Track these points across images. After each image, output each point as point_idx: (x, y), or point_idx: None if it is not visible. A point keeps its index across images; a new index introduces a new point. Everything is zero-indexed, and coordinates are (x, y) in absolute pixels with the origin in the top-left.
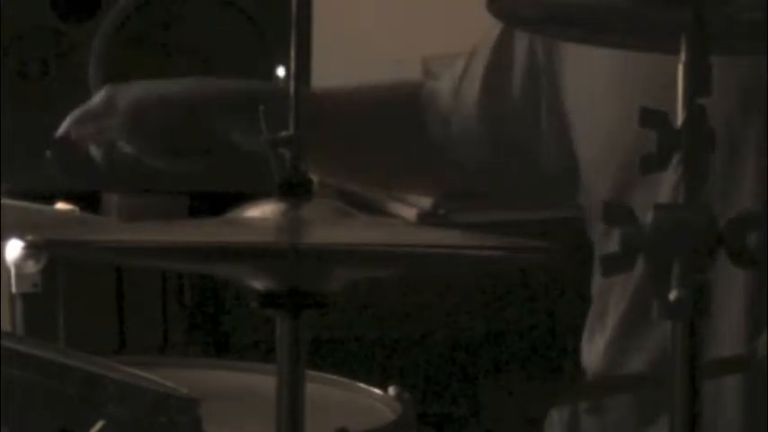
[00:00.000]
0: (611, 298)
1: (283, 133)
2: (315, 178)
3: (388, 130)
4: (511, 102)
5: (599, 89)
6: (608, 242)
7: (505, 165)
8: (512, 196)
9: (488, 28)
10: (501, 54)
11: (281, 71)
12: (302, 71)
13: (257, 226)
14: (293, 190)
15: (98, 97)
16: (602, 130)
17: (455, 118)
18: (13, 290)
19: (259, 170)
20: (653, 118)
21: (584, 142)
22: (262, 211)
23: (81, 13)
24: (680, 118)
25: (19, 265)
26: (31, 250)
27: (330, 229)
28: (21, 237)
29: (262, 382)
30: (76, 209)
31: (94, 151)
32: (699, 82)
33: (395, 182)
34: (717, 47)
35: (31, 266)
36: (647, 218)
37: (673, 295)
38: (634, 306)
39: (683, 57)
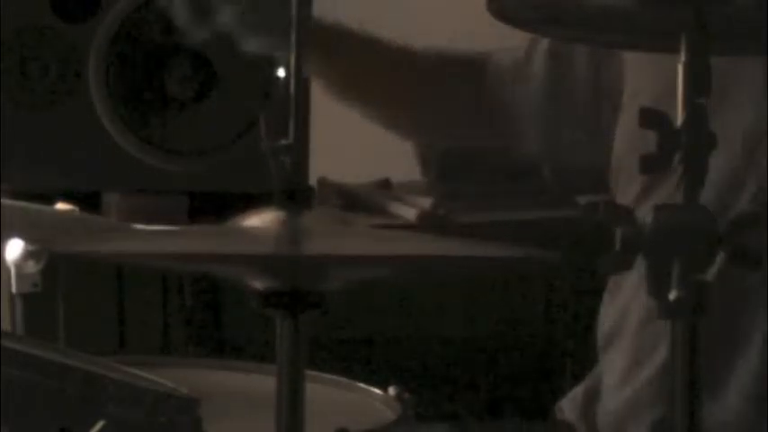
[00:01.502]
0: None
1: (283, 141)
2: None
3: (450, 90)
4: (576, 73)
5: (633, 84)
6: None
7: (564, 142)
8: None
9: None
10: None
11: (281, 71)
12: (302, 71)
13: (257, 236)
14: (293, 198)
15: None
16: (630, 128)
17: (521, 87)
18: (13, 290)
19: (259, 170)
20: (653, 118)
21: (619, 139)
22: (262, 220)
23: (81, 13)
24: (680, 118)
25: (19, 265)
26: (32, 250)
27: (328, 239)
28: (22, 238)
29: (262, 382)
30: (76, 209)
31: None
32: (699, 82)
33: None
34: (717, 47)
35: (31, 266)
36: (647, 218)
37: (673, 295)
38: None
39: (683, 57)
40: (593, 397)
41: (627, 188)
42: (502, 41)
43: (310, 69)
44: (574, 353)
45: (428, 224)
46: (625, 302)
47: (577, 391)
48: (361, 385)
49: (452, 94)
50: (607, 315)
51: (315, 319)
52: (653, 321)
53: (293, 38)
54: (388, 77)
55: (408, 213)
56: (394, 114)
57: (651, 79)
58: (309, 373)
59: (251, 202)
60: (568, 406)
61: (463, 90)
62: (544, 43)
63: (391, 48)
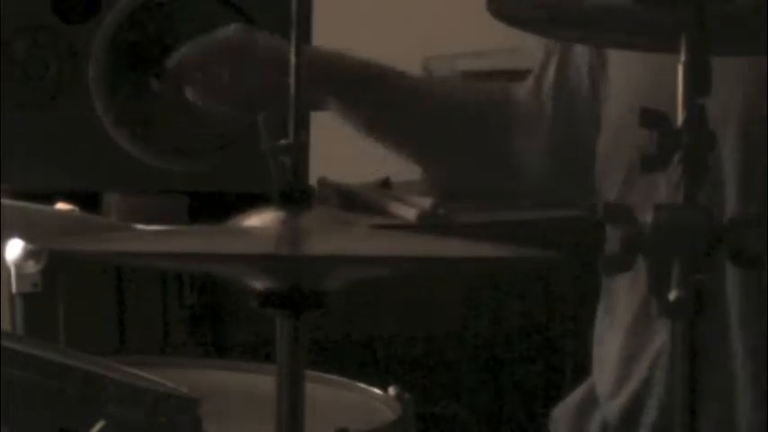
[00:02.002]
0: (621, 291)
1: (283, 141)
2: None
3: (480, 128)
4: (580, 103)
5: (617, 86)
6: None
7: (577, 170)
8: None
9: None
10: (569, 53)
11: None
12: (302, 71)
13: (257, 236)
14: (293, 199)
15: (230, 32)
16: (612, 127)
17: (537, 122)
18: (13, 290)
19: (259, 170)
20: (653, 118)
21: (601, 138)
22: (262, 220)
23: (81, 14)
24: (680, 118)
25: (19, 265)
26: (32, 250)
27: (328, 239)
28: (22, 238)
29: (262, 382)
30: (76, 209)
31: (193, 96)
32: (699, 82)
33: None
34: (717, 47)
35: (31, 266)
36: (647, 218)
37: (673, 295)
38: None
39: (682, 57)
40: (588, 406)
41: (611, 187)
42: (502, 41)
43: (336, 112)
44: (574, 353)
45: (428, 224)
46: (612, 312)
47: (571, 400)
48: (361, 385)
49: (481, 135)
50: (599, 322)
51: (315, 319)
52: (639, 330)
53: (293, 37)
54: (416, 117)
55: (408, 213)
56: (423, 155)
57: (636, 79)
58: (309, 373)
59: (251, 202)
60: (562, 415)
61: (491, 133)
62: (549, 77)
63: (414, 86)
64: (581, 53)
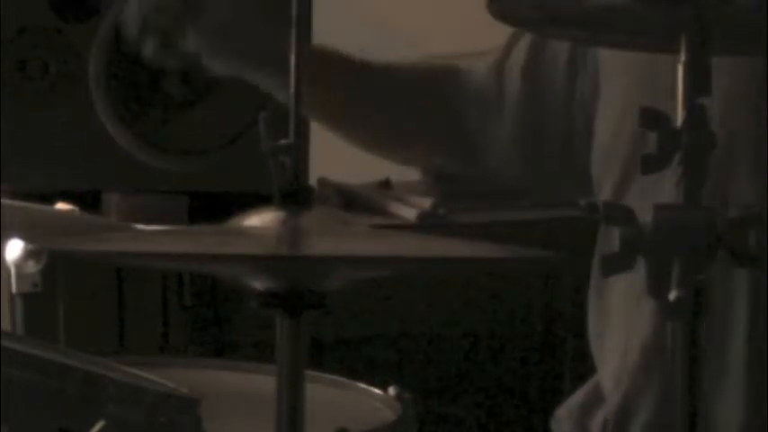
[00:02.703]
0: (613, 292)
1: (283, 141)
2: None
3: (422, 107)
4: (554, 93)
5: (608, 83)
6: (610, 240)
7: (543, 159)
8: (544, 191)
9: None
10: (543, 44)
11: None
12: (302, 71)
13: (257, 236)
14: (293, 198)
15: None
16: (608, 126)
17: (495, 105)
18: (13, 290)
19: (259, 170)
20: (653, 118)
21: (596, 140)
22: (262, 220)
23: (81, 13)
24: (680, 118)
25: (19, 265)
26: (32, 250)
27: (328, 239)
28: (22, 238)
29: (262, 382)
30: (76, 209)
31: (148, 49)
32: (699, 82)
33: (415, 158)
34: (717, 47)
35: (31, 266)
36: (647, 217)
37: (673, 295)
38: None
39: (682, 57)
40: (591, 405)
41: (607, 190)
42: (502, 41)
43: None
44: (574, 353)
45: (428, 224)
46: (609, 306)
47: (574, 400)
48: (361, 385)
49: (425, 114)
50: (594, 319)
51: (315, 319)
52: (629, 329)
53: (293, 38)
54: (371, 101)
55: (408, 213)
56: (378, 141)
57: (630, 78)
58: (309, 373)
59: (251, 202)
60: (566, 415)
61: (435, 112)
62: (519, 60)
63: (371, 68)
64: (559, 46)
